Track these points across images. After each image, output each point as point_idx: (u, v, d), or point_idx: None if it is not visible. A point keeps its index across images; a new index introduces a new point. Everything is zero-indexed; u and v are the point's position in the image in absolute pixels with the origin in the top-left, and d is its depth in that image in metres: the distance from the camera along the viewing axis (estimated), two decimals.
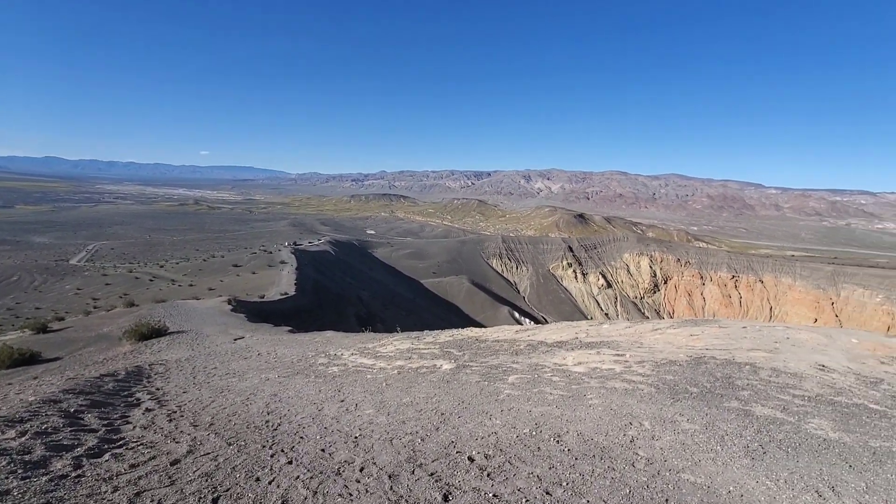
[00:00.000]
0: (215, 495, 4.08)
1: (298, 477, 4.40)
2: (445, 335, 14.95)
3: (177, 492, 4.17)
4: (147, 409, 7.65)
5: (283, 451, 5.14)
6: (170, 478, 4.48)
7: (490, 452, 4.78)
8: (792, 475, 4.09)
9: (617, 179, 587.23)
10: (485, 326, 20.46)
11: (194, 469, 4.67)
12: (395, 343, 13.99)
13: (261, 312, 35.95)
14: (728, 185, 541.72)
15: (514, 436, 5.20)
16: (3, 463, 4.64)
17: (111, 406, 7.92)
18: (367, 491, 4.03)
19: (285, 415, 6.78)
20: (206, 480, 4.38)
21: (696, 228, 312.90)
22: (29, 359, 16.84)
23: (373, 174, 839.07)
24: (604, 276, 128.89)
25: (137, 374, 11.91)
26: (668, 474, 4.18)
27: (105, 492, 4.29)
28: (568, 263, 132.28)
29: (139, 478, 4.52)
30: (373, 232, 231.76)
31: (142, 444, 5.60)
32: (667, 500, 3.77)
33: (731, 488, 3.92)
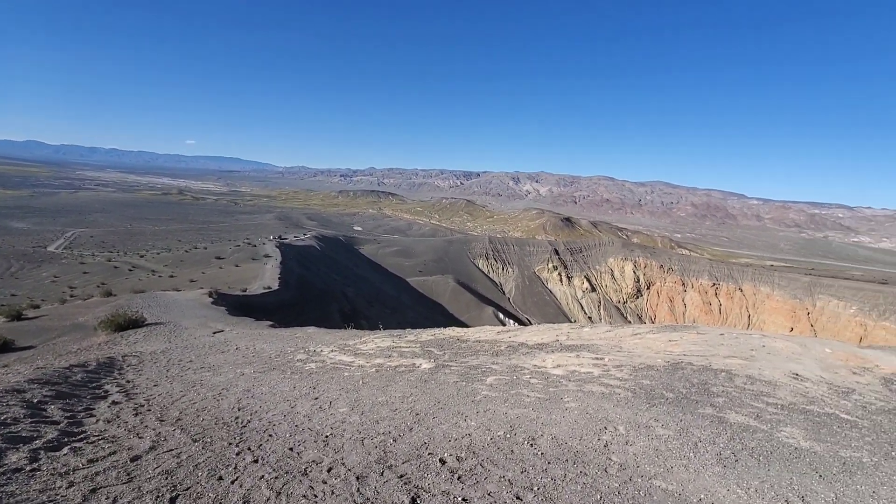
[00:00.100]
0: (174, 494, 3.92)
1: (263, 476, 4.26)
2: (427, 334, 14.84)
3: (134, 490, 4.00)
4: (114, 402, 7.41)
5: (249, 449, 4.99)
6: (128, 474, 4.30)
7: (462, 455, 4.69)
8: (763, 484, 4.08)
9: (604, 184, 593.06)
10: (469, 326, 20.41)
11: (155, 466, 4.49)
12: (377, 341, 13.84)
13: (242, 306, 35.37)
14: (712, 195, 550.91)
15: (489, 438, 5.13)
16: None
17: (77, 398, 7.65)
18: (332, 493, 3.91)
19: (256, 411, 6.61)
20: (166, 478, 4.22)
21: (679, 236, 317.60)
22: (2, 347, 16.30)
23: (362, 170, 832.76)
24: (588, 280, 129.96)
25: (109, 366, 11.57)
26: (640, 480, 4.14)
27: (59, 487, 4.10)
28: (553, 266, 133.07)
29: (96, 473, 4.33)
30: (360, 228, 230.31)
31: (103, 438, 5.39)
32: None
33: (703, 496, 3.89)
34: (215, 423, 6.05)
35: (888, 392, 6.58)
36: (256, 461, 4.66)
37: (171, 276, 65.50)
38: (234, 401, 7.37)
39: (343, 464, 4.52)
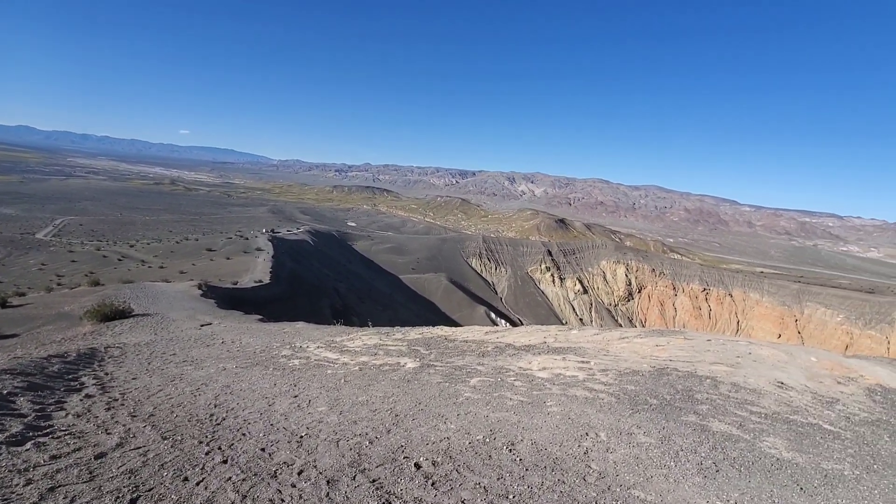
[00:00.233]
0: (135, 495, 3.76)
1: (230, 478, 4.11)
2: (415, 332, 14.71)
3: (94, 489, 3.84)
4: (87, 396, 7.21)
5: (220, 448, 4.83)
6: (90, 473, 4.14)
7: (439, 459, 4.57)
8: (743, 496, 4.00)
9: (599, 187, 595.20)
10: (461, 325, 20.27)
11: (119, 465, 4.33)
12: (364, 338, 13.69)
13: (232, 299, 35.04)
14: (705, 200, 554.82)
15: (467, 442, 5.01)
16: None
17: (49, 390, 7.45)
18: (300, 497, 3.78)
19: (233, 408, 6.45)
20: (129, 478, 4.06)
21: (671, 240, 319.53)
22: None
23: (357, 166, 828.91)
24: (581, 282, 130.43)
25: (89, 357, 11.35)
26: (618, 490, 4.05)
27: (17, 485, 3.94)
28: (546, 267, 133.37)
29: (57, 471, 4.17)
30: (354, 224, 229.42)
31: (70, 433, 5.22)
32: None
33: None
34: (189, 420, 5.88)
35: (872, 403, 6.55)
36: (226, 461, 4.50)
37: (161, 267, 64.79)
38: (211, 397, 7.21)
39: (315, 466, 4.39)
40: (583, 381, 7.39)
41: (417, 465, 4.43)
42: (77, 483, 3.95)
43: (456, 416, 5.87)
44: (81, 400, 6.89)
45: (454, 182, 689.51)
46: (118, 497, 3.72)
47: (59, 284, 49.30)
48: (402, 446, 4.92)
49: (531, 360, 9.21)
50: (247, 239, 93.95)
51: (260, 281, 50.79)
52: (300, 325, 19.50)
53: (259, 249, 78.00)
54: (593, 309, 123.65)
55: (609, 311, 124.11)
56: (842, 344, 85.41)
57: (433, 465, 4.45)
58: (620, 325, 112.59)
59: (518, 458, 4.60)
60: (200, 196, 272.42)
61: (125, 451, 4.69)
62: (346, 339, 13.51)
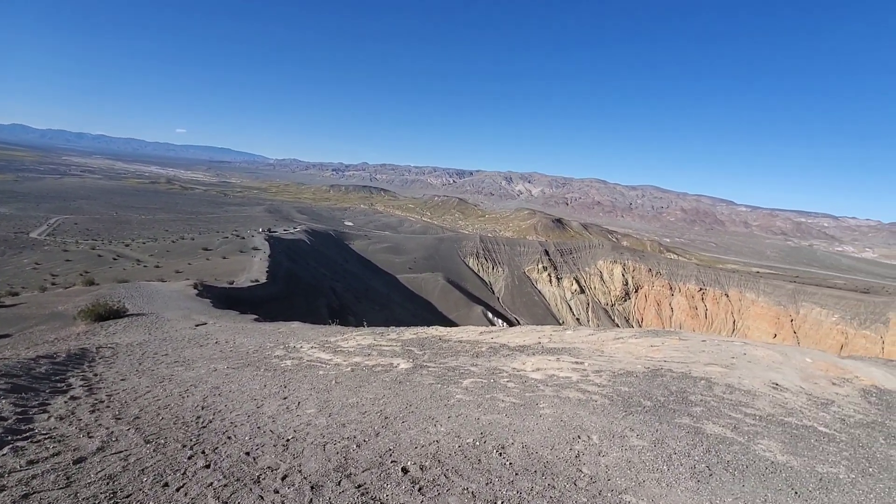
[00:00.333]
0: (112, 502, 3.65)
1: (212, 484, 4.00)
2: (410, 332, 14.61)
3: (70, 496, 3.73)
4: (72, 398, 7.08)
5: (203, 452, 4.71)
6: (67, 479, 4.02)
7: (427, 463, 4.47)
8: (736, 500, 3.92)
9: (596, 187, 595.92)
10: (457, 325, 20.18)
11: (98, 470, 4.21)
12: (358, 338, 13.58)
13: (228, 299, 34.86)
14: (701, 200, 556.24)
15: (457, 445, 4.92)
16: None
17: (34, 392, 7.31)
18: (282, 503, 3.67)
19: (220, 411, 6.34)
20: (108, 484, 3.94)
21: (668, 240, 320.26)
22: None
23: (354, 165, 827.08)
24: (577, 282, 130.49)
25: (79, 358, 11.20)
26: (609, 495, 3.96)
27: None
28: (543, 267, 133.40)
29: (33, 477, 4.05)
30: (351, 223, 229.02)
31: (50, 437, 5.09)
32: None
33: None
34: (174, 423, 5.77)
35: (867, 404, 6.49)
36: (208, 466, 4.39)
37: (157, 267, 64.44)
38: (199, 398, 7.09)
39: (300, 471, 4.28)
40: (576, 382, 7.31)
41: (405, 470, 4.33)
42: (52, 489, 3.83)
43: (447, 419, 5.77)
44: (66, 402, 6.76)
45: (451, 182, 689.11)
46: None
47: (53, 284, 48.95)
48: (390, 450, 4.82)
49: (525, 360, 9.13)
50: (243, 238, 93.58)
51: (256, 280, 50.56)
52: (295, 324, 19.37)
53: (255, 249, 77.69)
54: (590, 309, 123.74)
55: (606, 311, 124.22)
56: (837, 344, 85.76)
57: (421, 469, 4.35)
58: (617, 325, 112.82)
59: (508, 462, 4.51)
60: (196, 195, 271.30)
61: (105, 455, 4.57)
62: (340, 340, 13.40)
